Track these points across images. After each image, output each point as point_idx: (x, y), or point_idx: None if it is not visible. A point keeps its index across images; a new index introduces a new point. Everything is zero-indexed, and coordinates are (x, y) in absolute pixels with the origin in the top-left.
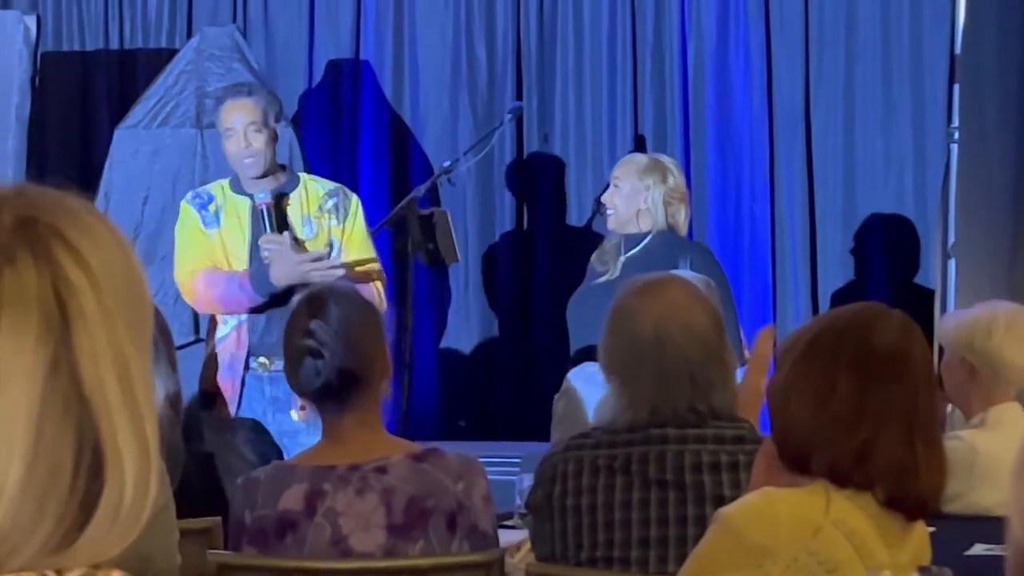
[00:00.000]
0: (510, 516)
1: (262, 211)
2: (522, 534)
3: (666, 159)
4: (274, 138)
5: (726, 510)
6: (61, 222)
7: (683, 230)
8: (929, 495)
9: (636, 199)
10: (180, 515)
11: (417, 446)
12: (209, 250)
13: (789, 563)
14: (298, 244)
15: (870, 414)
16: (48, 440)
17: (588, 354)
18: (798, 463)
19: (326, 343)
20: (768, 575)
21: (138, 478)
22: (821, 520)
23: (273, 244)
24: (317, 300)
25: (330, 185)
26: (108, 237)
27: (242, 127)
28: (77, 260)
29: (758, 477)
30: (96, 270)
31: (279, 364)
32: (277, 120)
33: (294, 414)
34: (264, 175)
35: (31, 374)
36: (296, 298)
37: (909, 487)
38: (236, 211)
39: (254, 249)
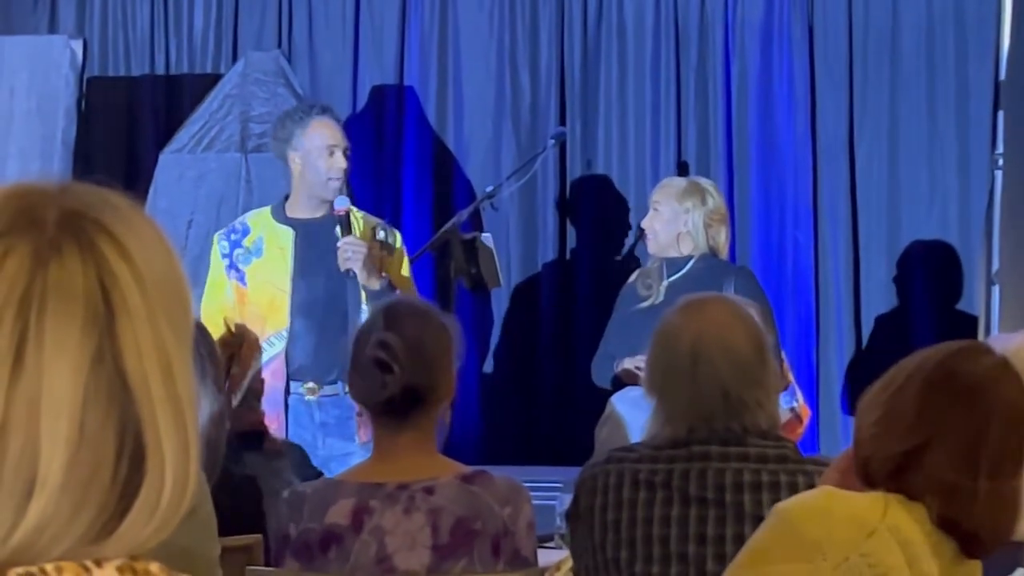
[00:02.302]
0: (550, 538)
1: (341, 217)
2: (562, 554)
3: (704, 181)
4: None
5: (782, 504)
6: (106, 217)
7: (724, 252)
8: (986, 530)
9: (676, 222)
10: (220, 534)
11: (466, 468)
12: (228, 306)
13: (840, 562)
14: (382, 247)
15: (925, 427)
16: (91, 430)
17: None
18: (864, 474)
19: (397, 357)
20: (819, 570)
21: (178, 470)
22: (877, 523)
23: (355, 247)
24: (393, 313)
25: (375, 220)
26: (151, 233)
27: (340, 149)
28: (122, 254)
29: (828, 480)
30: (140, 264)
31: (327, 389)
32: None
33: (357, 438)
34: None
35: (76, 364)
36: (373, 309)
37: (962, 512)
38: (279, 241)
39: (297, 275)
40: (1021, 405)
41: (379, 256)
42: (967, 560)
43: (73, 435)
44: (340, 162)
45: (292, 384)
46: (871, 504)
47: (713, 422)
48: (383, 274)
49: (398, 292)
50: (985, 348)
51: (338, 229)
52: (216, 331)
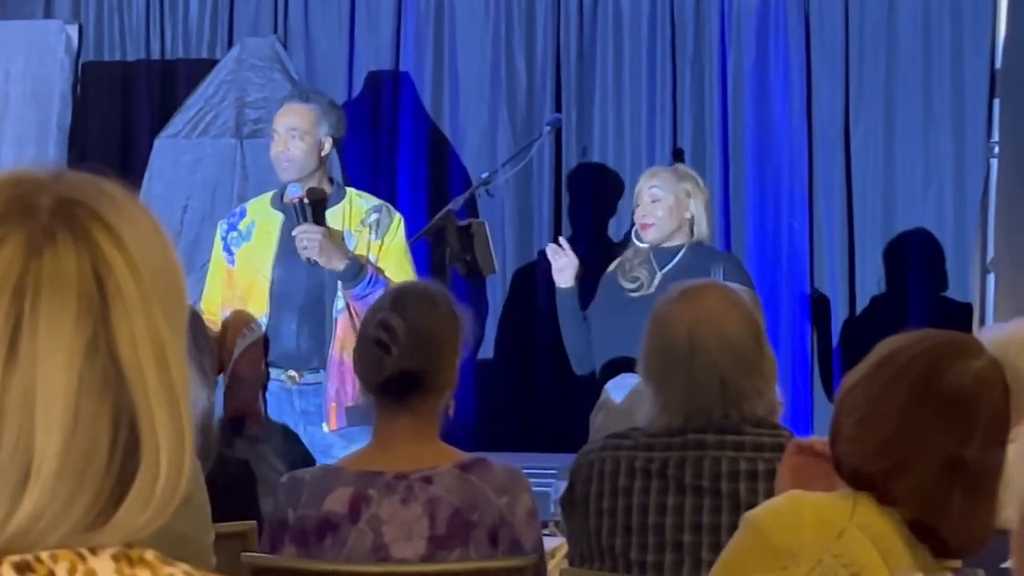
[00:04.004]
0: (545, 525)
1: (294, 205)
2: (557, 541)
3: (687, 167)
4: (318, 148)
5: (753, 512)
6: (100, 205)
7: (708, 237)
8: (959, 538)
9: (679, 209)
10: (216, 519)
11: (465, 455)
12: (224, 287)
13: (814, 565)
14: (332, 234)
15: (908, 441)
16: (86, 418)
17: (620, 366)
18: (838, 467)
19: (397, 339)
20: None
21: (173, 457)
22: (845, 523)
23: (310, 234)
24: (402, 295)
25: (375, 201)
26: (145, 221)
27: (284, 132)
28: (115, 242)
29: (782, 485)
30: (134, 252)
31: (308, 377)
32: (333, 134)
33: (325, 427)
34: (299, 181)
35: (70, 353)
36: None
37: (936, 521)
38: (269, 227)
39: (279, 260)
40: (1003, 416)
41: (335, 239)
42: (941, 560)
43: (68, 423)
44: (279, 146)
45: (274, 371)
46: (839, 504)
47: (711, 411)
48: (347, 255)
49: (368, 270)
50: (975, 348)
51: (295, 218)
52: (214, 312)
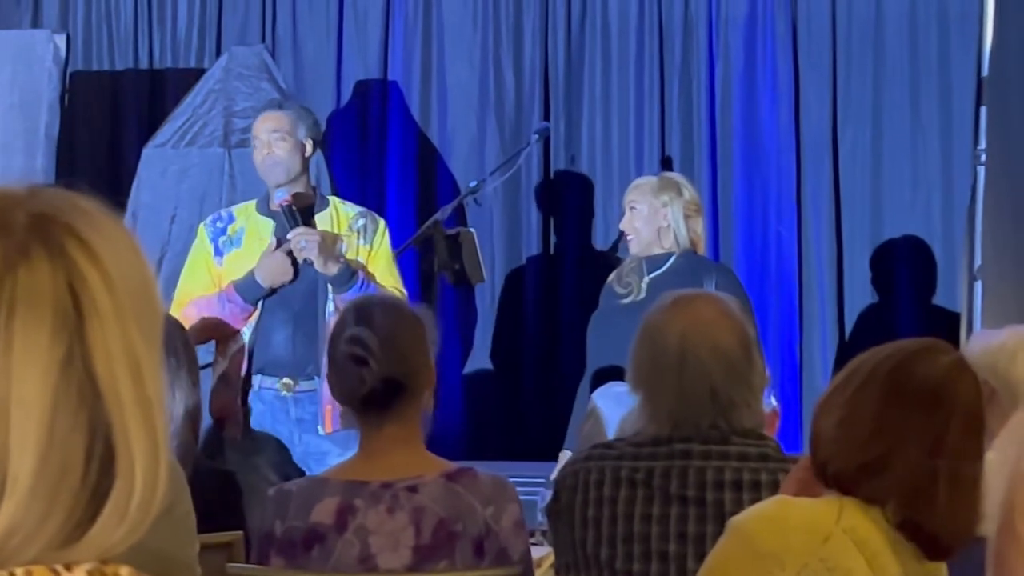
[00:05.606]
0: (532, 534)
1: (284, 208)
2: (544, 550)
3: (676, 175)
4: (301, 149)
5: (738, 518)
6: (74, 220)
7: (702, 243)
8: (947, 532)
9: (656, 218)
10: (199, 530)
11: (452, 464)
12: (209, 283)
13: (799, 570)
14: (327, 237)
15: (887, 435)
16: (61, 434)
17: (609, 374)
18: (822, 474)
19: (372, 351)
20: None
21: (148, 473)
22: (832, 527)
23: (308, 235)
24: (364, 309)
25: (358, 208)
26: (120, 236)
27: (266, 136)
28: (90, 257)
29: (785, 492)
30: (109, 268)
31: (303, 384)
32: (311, 136)
33: (321, 430)
34: (286, 186)
35: (45, 368)
36: (342, 307)
37: (922, 516)
38: (259, 233)
39: None
40: (977, 406)
41: (332, 241)
42: (929, 561)
43: (42, 439)
44: (262, 150)
45: (267, 379)
46: (825, 509)
47: (700, 421)
48: (340, 259)
49: (360, 274)
50: (942, 347)
51: (287, 222)
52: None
